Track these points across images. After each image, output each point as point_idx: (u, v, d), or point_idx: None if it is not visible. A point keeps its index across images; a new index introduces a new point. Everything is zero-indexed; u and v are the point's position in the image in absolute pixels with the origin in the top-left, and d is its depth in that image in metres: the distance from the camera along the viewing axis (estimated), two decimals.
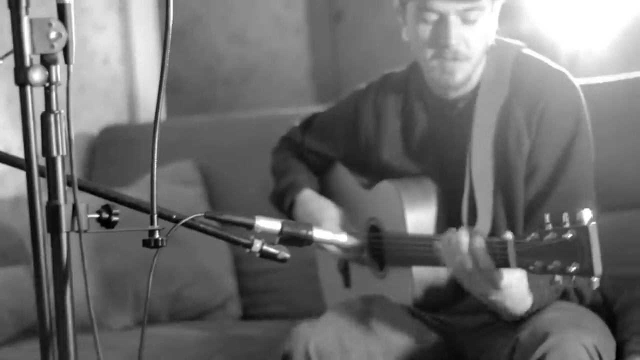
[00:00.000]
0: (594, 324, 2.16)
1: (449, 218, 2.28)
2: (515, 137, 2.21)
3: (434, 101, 2.33)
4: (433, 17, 2.19)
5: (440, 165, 2.33)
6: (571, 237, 1.74)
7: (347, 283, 2.59)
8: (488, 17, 2.20)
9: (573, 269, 1.74)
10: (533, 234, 1.82)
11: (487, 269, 1.98)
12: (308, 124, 2.66)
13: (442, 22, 2.17)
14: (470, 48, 2.19)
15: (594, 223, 1.73)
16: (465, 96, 2.28)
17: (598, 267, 1.72)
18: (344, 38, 5.28)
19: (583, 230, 1.73)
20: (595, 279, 1.74)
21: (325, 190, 2.59)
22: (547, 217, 1.82)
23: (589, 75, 2.83)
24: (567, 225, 1.76)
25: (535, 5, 3.91)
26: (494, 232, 2.18)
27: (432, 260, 2.15)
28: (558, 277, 1.78)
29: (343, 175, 2.57)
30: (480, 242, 1.98)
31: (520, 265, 1.88)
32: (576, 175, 2.20)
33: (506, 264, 1.92)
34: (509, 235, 1.91)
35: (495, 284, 2.01)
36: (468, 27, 2.17)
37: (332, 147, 2.58)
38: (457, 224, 2.21)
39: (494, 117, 2.23)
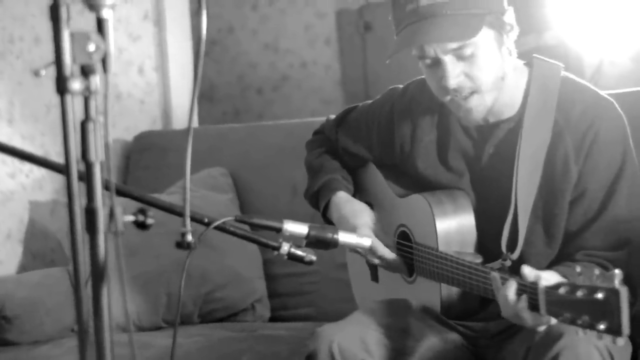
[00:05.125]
0: None
1: (483, 238, 2.30)
2: (563, 162, 2.21)
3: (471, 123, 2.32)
4: (429, 61, 2.17)
5: (476, 183, 2.33)
6: (602, 297, 1.76)
7: (374, 277, 2.59)
8: (490, 48, 2.17)
9: (602, 326, 1.77)
10: (564, 288, 1.84)
11: (536, 325, 2.00)
12: (342, 120, 2.62)
13: (438, 64, 2.16)
14: (476, 80, 2.16)
15: (625, 287, 1.76)
16: (510, 118, 2.27)
17: (626, 328, 1.75)
18: (373, 48, 5.32)
19: (615, 293, 1.76)
20: (621, 338, 1.76)
21: (357, 188, 2.57)
22: (578, 268, 1.84)
23: (612, 85, 2.85)
24: (598, 282, 1.79)
25: (561, 16, 3.93)
26: (530, 254, 2.22)
27: (465, 284, 2.18)
28: (586, 330, 1.81)
29: (376, 178, 2.54)
30: (524, 304, 1.97)
31: (550, 313, 1.90)
32: (623, 202, 2.21)
33: (536, 309, 1.94)
34: (541, 284, 1.92)
35: (539, 327, 2.02)
36: (466, 63, 2.15)
37: (366, 148, 2.54)
38: (493, 245, 2.24)
39: (542, 141, 2.21)
